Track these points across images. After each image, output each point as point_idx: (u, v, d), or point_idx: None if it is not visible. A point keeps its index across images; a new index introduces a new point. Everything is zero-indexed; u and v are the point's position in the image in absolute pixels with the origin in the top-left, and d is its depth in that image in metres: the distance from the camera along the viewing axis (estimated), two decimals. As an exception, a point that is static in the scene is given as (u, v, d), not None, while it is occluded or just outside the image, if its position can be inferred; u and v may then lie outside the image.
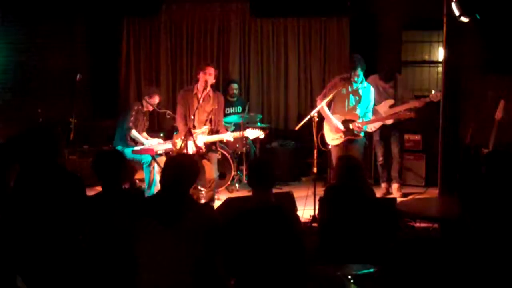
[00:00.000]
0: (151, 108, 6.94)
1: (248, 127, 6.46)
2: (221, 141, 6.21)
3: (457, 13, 5.62)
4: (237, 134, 6.27)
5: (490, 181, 2.08)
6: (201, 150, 5.93)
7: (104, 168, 3.59)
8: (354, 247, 3.81)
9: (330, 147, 6.36)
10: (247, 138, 7.80)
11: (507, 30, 6.91)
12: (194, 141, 5.81)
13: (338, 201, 4.07)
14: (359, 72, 6.09)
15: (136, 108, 6.89)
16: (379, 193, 6.86)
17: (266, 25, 8.81)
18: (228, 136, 6.03)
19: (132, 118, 6.79)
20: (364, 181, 4.78)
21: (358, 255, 3.70)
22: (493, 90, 7.20)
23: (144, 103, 6.89)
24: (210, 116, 6.06)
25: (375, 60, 7.84)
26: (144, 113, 6.98)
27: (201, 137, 5.98)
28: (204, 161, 6.06)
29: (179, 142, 6.04)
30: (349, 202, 4.05)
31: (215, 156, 6.22)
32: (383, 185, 7.16)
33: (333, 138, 6.21)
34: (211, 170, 6.07)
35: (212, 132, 6.05)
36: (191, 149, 5.84)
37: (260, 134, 6.28)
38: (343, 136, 6.16)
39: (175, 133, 6.35)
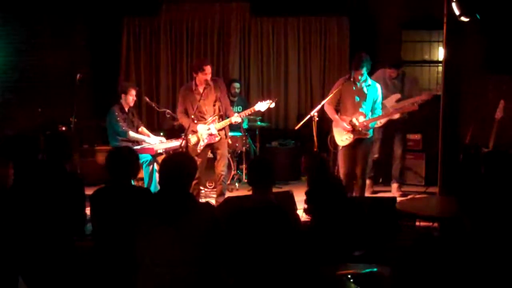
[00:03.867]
0: (131, 103, 6.87)
1: (252, 132, 6.58)
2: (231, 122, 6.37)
3: (457, 12, 5.62)
4: (247, 111, 6.45)
5: (489, 181, 2.07)
6: (217, 137, 6.22)
7: (119, 163, 3.62)
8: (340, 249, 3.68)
9: (340, 148, 6.33)
10: (247, 137, 7.82)
11: (507, 30, 6.91)
12: (209, 128, 6.16)
13: (320, 203, 3.86)
14: (364, 71, 6.03)
15: (116, 112, 6.76)
16: (367, 191, 6.82)
17: (266, 25, 8.81)
18: (235, 117, 6.26)
19: (120, 124, 6.73)
20: (333, 176, 4.65)
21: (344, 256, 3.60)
22: (493, 90, 7.20)
23: (123, 102, 6.82)
24: (217, 104, 6.27)
25: (375, 59, 7.82)
26: (127, 112, 6.88)
27: (213, 126, 6.19)
28: (219, 155, 6.30)
29: (193, 138, 6.14)
30: (329, 203, 3.89)
31: (226, 148, 6.41)
32: (368, 181, 7.05)
33: (342, 139, 6.17)
34: (219, 164, 6.23)
35: (222, 118, 6.29)
36: (204, 135, 6.12)
37: (270, 103, 6.40)
38: (351, 136, 6.11)
39: (182, 134, 6.39)
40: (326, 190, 3.67)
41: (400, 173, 7.24)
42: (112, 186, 3.65)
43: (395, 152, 7.16)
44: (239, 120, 6.36)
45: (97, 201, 3.62)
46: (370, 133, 6.15)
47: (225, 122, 6.27)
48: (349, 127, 6.07)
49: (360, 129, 6.04)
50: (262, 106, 6.37)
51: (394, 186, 7.20)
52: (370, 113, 6.12)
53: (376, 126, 6.44)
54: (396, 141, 7.12)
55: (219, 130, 6.26)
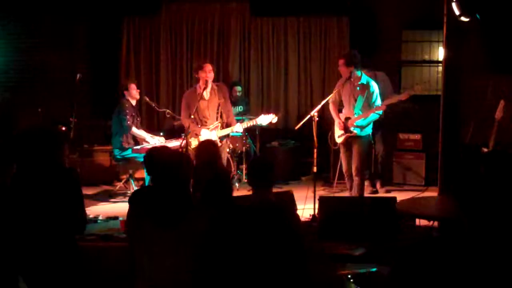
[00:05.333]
0: (137, 96, 7.01)
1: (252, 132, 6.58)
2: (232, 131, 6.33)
3: (457, 12, 5.62)
4: (250, 123, 6.39)
5: (489, 181, 2.07)
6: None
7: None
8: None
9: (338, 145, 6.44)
10: (247, 137, 7.82)
11: (507, 30, 6.91)
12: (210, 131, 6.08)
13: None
14: (354, 69, 6.08)
15: (127, 104, 6.89)
16: (366, 191, 6.82)
17: (266, 25, 8.81)
18: (238, 127, 6.19)
19: (128, 117, 6.80)
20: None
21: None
22: (493, 90, 7.21)
23: (128, 98, 6.93)
24: (220, 110, 6.21)
25: (375, 59, 7.83)
26: (134, 107, 7.03)
27: (214, 133, 6.13)
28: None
29: (194, 142, 6.11)
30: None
31: (225, 153, 6.37)
32: (366, 183, 7.09)
33: (338, 136, 6.30)
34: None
35: (223, 125, 6.21)
36: (206, 138, 5.98)
37: (273, 118, 6.28)
38: (344, 135, 6.22)
39: (183, 134, 6.36)
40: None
41: (382, 170, 7.32)
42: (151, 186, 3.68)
43: (377, 150, 7.24)
44: (240, 130, 6.34)
45: (134, 201, 3.65)
46: (357, 132, 6.14)
47: (227, 131, 6.23)
48: (339, 126, 6.24)
49: (348, 127, 6.15)
50: (264, 119, 6.26)
51: (376, 183, 7.23)
52: (357, 112, 6.17)
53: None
54: (377, 139, 7.17)
55: (220, 137, 6.19)
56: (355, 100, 6.14)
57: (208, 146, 4.56)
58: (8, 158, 3.76)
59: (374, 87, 6.15)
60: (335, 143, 6.50)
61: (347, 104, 6.25)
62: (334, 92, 6.28)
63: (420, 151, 7.77)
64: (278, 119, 8.88)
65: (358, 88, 6.14)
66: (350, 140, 6.21)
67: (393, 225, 5.04)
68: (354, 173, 6.18)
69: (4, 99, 8.34)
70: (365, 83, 6.13)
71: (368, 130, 6.23)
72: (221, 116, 6.23)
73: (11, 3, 8.24)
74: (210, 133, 6.14)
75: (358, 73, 6.13)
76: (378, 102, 6.15)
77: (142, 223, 3.07)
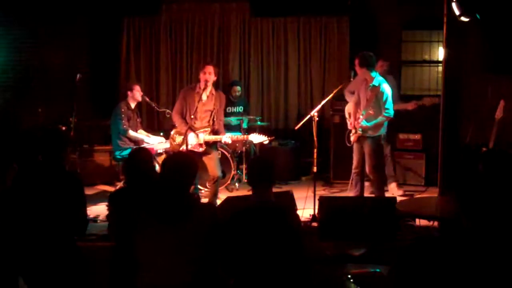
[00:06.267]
0: (140, 98, 6.99)
1: (252, 132, 6.56)
2: (220, 140, 6.24)
3: (457, 12, 5.62)
4: (240, 137, 6.44)
5: (487, 179, 2.07)
6: (201, 147, 6.04)
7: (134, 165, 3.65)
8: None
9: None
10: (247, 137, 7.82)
11: (507, 30, 6.91)
12: (197, 135, 5.96)
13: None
14: (367, 70, 6.08)
15: (123, 109, 6.87)
16: (366, 192, 6.80)
17: (266, 25, 8.81)
18: (226, 138, 6.11)
19: (123, 121, 6.80)
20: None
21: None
22: (493, 89, 7.21)
23: (130, 99, 6.94)
24: (213, 116, 6.14)
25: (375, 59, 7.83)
26: (132, 110, 7.01)
27: (201, 135, 6.05)
28: (207, 159, 6.12)
29: (178, 138, 6.10)
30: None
31: (216, 154, 6.31)
32: (367, 183, 7.07)
33: (351, 134, 6.34)
34: (214, 168, 6.13)
35: (212, 132, 6.12)
36: (191, 143, 5.93)
37: (265, 139, 6.28)
38: (354, 133, 6.27)
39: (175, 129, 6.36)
40: None
41: (394, 171, 7.27)
42: (129, 187, 3.69)
43: (384, 151, 7.19)
44: (229, 141, 6.24)
45: (115, 201, 3.65)
46: (361, 132, 6.15)
47: (215, 138, 6.10)
48: (349, 126, 6.28)
49: (356, 127, 6.19)
50: (256, 138, 6.23)
51: (392, 185, 7.18)
52: (365, 113, 6.18)
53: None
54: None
55: (206, 142, 6.07)
56: (367, 101, 6.16)
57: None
58: (9, 158, 3.76)
59: (385, 89, 6.09)
60: (350, 141, 6.51)
61: (361, 104, 6.28)
62: (335, 91, 6.33)
63: (420, 151, 7.77)
64: (277, 119, 9.01)
65: (369, 89, 6.13)
66: (361, 140, 6.23)
67: (393, 225, 5.05)
68: (368, 172, 6.23)
69: (5, 99, 8.34)
70: (376, 85, 6.09)
71: (381, 131, 6.23)
72: (213, 122, 6.15)
73: (11, 3, 8.23)
74: (196, 135, 6.03)
75: (373, 74, 6.11)
76: (388, 104, 6.12)
77: (144, 221, 3.07)
